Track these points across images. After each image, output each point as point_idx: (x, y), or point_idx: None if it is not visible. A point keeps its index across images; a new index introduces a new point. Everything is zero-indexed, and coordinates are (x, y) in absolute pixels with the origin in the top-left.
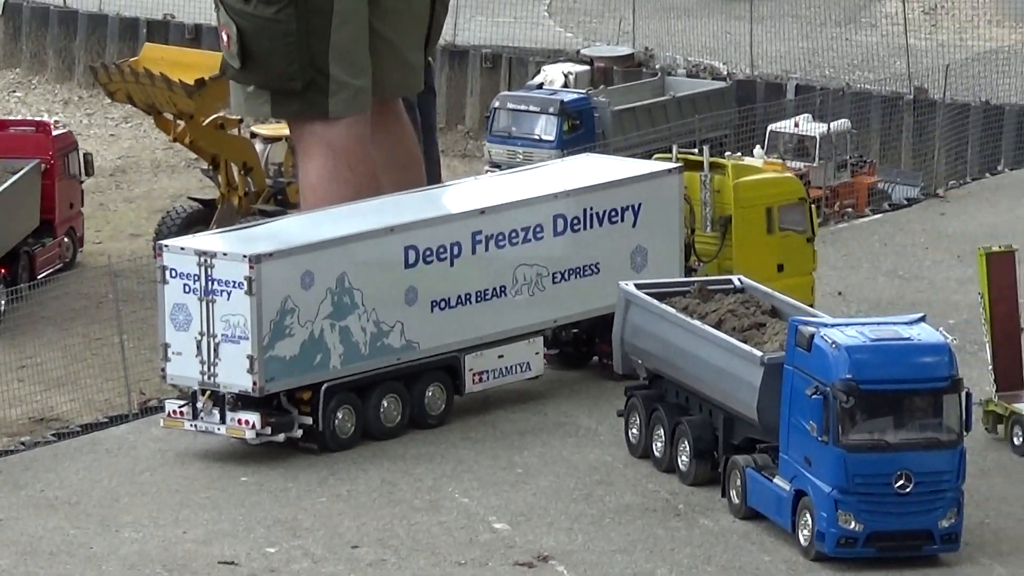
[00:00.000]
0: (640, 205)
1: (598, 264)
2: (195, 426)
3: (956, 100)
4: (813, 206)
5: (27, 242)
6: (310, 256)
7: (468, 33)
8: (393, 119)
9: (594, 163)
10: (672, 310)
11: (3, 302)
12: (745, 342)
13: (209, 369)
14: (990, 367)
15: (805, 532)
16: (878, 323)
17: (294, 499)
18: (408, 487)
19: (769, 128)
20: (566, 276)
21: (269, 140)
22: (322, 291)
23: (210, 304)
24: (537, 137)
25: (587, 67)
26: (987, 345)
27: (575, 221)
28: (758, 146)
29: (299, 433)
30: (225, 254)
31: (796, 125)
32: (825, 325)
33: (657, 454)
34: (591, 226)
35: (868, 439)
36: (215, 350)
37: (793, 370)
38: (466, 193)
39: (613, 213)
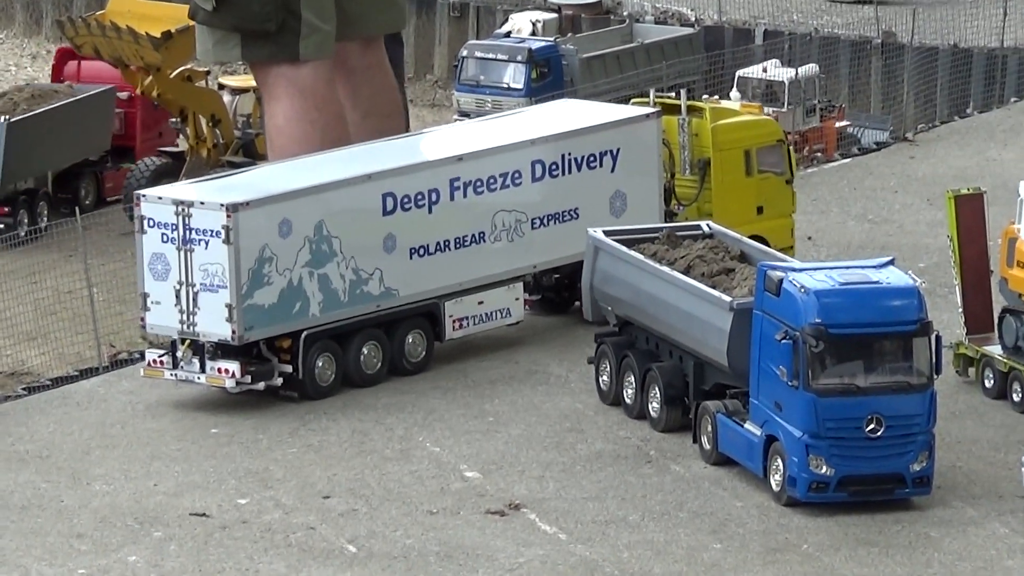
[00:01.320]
0: (619, 150)
1: (577, 209)
2: (175, 375)
3: (924, 44)
4: (791, 147)
5: (96, 163)
6: (287, 204)
7: None
8: (377, 66)
9: (571, 109)
10: (641, 256)
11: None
12: (714, 287)
13: (188, 318)
14: (960, 310)
15: (776, 477)
16: (847, 267)
17: (265, 450)
18: (379, 437)
19: (738, 74)
20: (545, 222)
21: (237, 92)
22: (300, 239)
23: (188, 253)
24: (505, 85)
25: (555, 15)
26: (957, 288)
27: (553, 167)
28: (735, 89)
29: (279, 381)
30: (202, 203)
31: (764, 70)
32: (794, 270)
33: (628, 401)
34: (569, 172)
35: (838, 383)
36: (194, 299)
37: (762, 315)
38: (443, 140)
39: (591, 158)
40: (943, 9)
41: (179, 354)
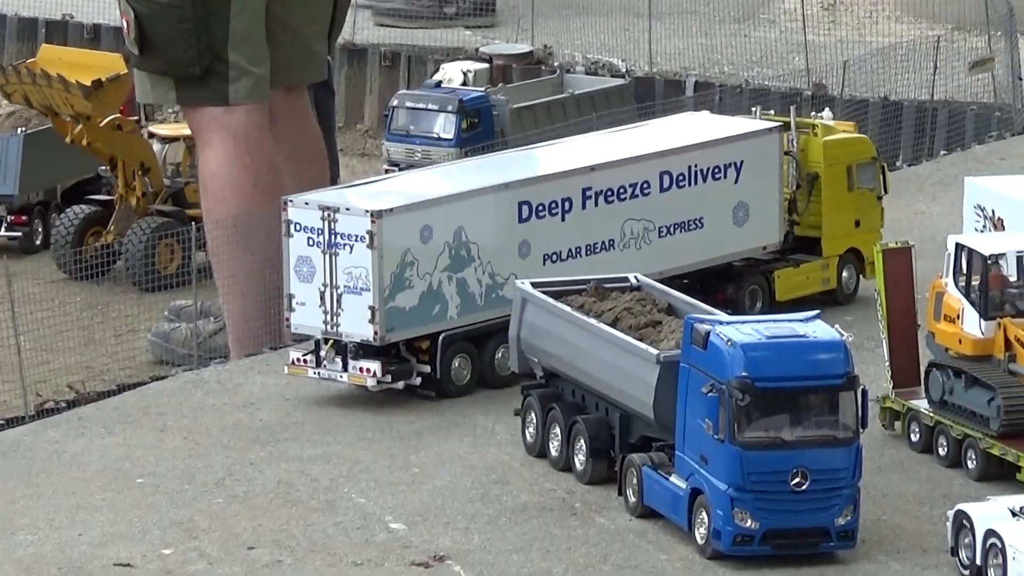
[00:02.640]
0: (742, 162)
1: (702, 219)
2: (318, 374)
3: (854, 96)
4: (884, 165)
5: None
6: (429, 211)
7: (367, 32)
8: (300, 112)
9: (695, 121)
10: (568, 309)
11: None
12: (641, 340)
13: (332, 319)
14: (887, 364)
15: (701, 530)
16: (774, 320)
17: (190, 500)
18: (305, 488)
19: None
20: (671, 230)
21: (167, 140)
22: (440, 244)
23: (333, 257)
24: (436, 135)
25: (486, 65)
26: (884, 342)
27: (680, 177)
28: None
29: (418, 381)
30: (348, 209)
31: None
32: (721, 323)
33: (554, 453)
34: (695, 182)
35: (764, 437)
36: (338, 301)
37: (689, 368)
38: (575, 151)
39: (716, 170)
40: (874, 61)
41: (322, 353)
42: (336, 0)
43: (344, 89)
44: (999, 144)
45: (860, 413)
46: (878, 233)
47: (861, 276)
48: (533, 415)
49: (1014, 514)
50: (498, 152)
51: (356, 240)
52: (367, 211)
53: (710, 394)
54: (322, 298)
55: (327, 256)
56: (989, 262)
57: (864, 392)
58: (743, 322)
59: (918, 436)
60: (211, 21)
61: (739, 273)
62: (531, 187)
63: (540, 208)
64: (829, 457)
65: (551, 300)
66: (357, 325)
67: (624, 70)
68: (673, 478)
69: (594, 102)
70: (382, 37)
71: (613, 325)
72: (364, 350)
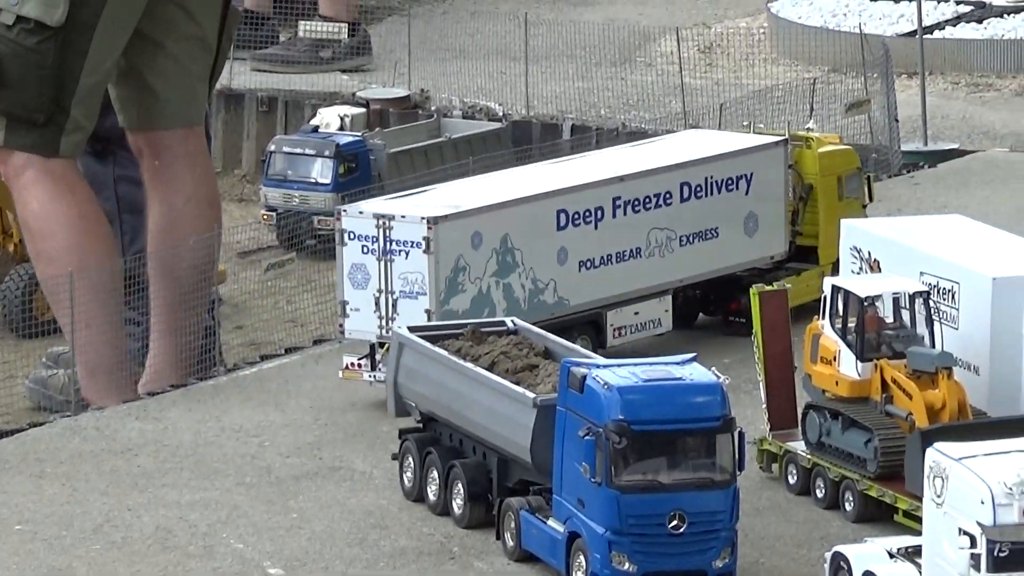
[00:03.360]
0: (752, 175)
1: (717, 229)
2: (374, 376)
3: None
4: (869, 176)
5: None
6: (479, 218)
7: (244, 77)
8: (199, 153)
9: (703, 137)
10: (445, 353)
11: None
12: (518, 384)
13: (387, 323)
14: (764, 406)
15: (579, 574)
16: (650, 364)
17: (68, 547)
18: (183, 533)
19: None
20: (690, 239)
21: None
22: (489, 251)
23: (388, 263)
24: (313, 180)
25: (363, 109)
26: (761, 384)
27: (698, 188)
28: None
29: None
30: (403, 216)
31: None
32: (597, 366)
33: (432, 497)
34: (711, 193)
35: (641, 480)
36: (393, 305)
37: (566, 411)
38: (602, 163)
39: (730, 182)
40: (750, 103)
41: (378, 357)
42: (219, 45)
43: (221, 134)
44: (875, 186)
45: (737, 455)
46: None
47: None
48: (411, 459)
49: (891, 556)
50: (533, 163)
51: (412, 246)
52: (423, 218)
53: (587, 437)
54: (377, 303)
55: (382, 263)
56: (865, 304)
57: (741, 434)
58: (619, 365)
59: (796, 478)
60: (65, 73)
61: (749, 283)
62: (569, 195)
63: (576, 216)
64: (706, 500)
65: (428, 344)
66: None
67: (501, 114)
68: (551, 522)
69: (471, 146)
70: (259, 82)
71: (490, 369)
72: None
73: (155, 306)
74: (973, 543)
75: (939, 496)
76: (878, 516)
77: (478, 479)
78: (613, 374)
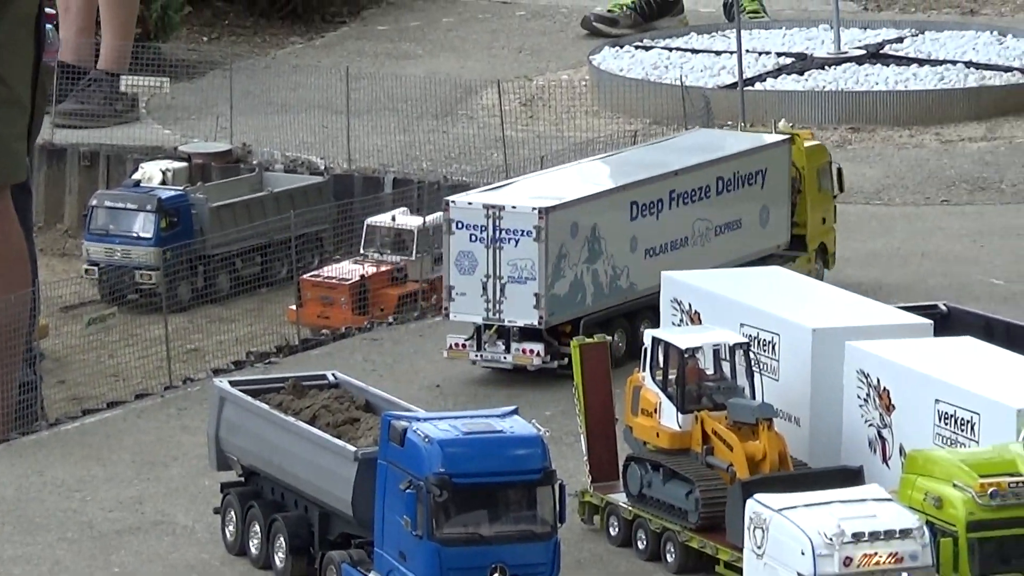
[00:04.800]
0: (766, 170)
1: (740, 220)
2: (480, 356)
3: None
4: (840, 168)
5: None
6: (578, 209)
7: (66, 132)
8: (3, 212)
9: (713, 136)
10: (266, 407)
11: None
12: (339, 437)
13: (495, 307)
14: (585, 458)
15: None
16: (471, 416)
17: None
18: None
19: (367, 222)
20: (721, 230)
21: None
22: (582, 239)
23: (497, 251)
24: (135, 235)
25: (185, 164)
26: (582, 436)
27: (729, 183)
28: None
29: (566, 361)
30: (514, 207)
31: (393, 219)
32: (418, 419)
33: (254, 551)
34: (738, 188)
35: (462, 532)
36: (501, 290)
37: (387, 465)
38: (649, 158)
39: (751, 176)
40: (571, 155)
41: (484, 338)
42: (33, 102)
43: (43, 189)
44: None
45: (558, 508)
46: (834, 229)
47: (826, 267)
48: (233, 513)
49: None
50: (593, 157)
51: (522, 235)
52: (535, 208)
53: (408, 491)
54: (484, 288)
55: (491, 250)
56: (686, 356)
57: (562, 487)
58: (440, 418)
59: (617, 530)
60: None
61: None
62: (639, 188)
63: (643, 207)
64: (527, 552)
65: (249, 398)
66: (521, 312)
67: (323, 167)
68: (372, 574)
69: (293, 200)
70: (81, 137)
71: (311, 423)
72: (523, 334)
73: None
74: None
75: (759, 547)
76: (700, 567)
77: (300, 532)
78: (434, 427)
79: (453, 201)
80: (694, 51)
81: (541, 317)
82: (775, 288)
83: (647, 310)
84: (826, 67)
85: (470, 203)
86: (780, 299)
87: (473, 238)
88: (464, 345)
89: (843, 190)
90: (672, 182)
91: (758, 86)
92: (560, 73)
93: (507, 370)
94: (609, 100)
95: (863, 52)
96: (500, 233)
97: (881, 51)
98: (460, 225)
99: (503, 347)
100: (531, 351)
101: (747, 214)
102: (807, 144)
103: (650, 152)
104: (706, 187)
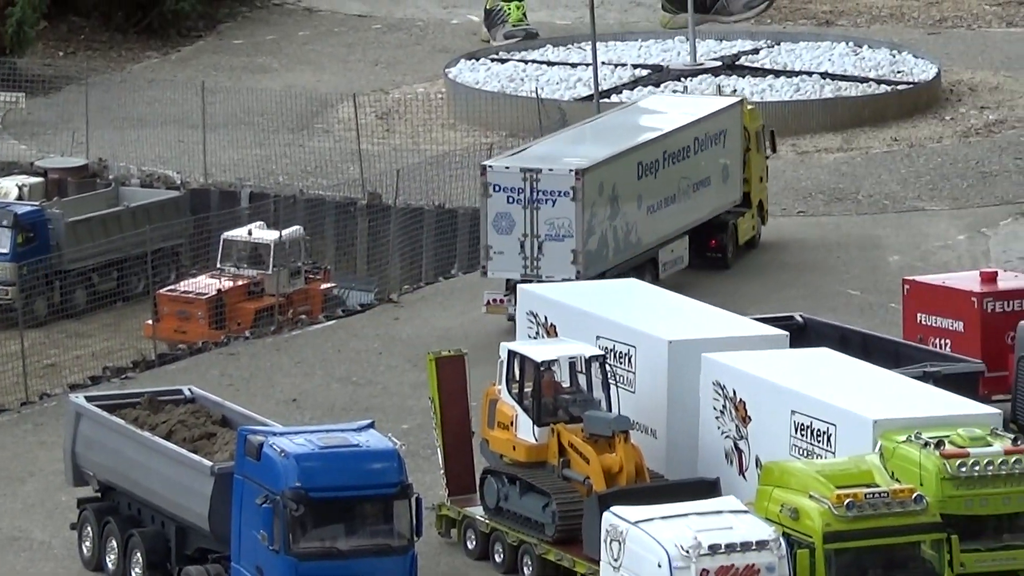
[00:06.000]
0: (726, 131)
1: (709, 178)
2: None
3: (410, 204)
4: (773, 131)
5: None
6: (604, 169)
7: None
8: None
9: (673, 100)
10: (122, 422)
11: None
12: (196, 452)
13: (532, 263)
14: (442, 471)
15: None
16: (327, 430)
17: None
18: None
19: (223, 236)
20: (696, 188)
21: None
22: (606, 198)
23: (535, 211)
24: None
25: (41, 179)
26: (439, 449)
27: (703, 143)
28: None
29: None
30: (551, 169)
31: (250, 233)
32: (274, 433)
33: (111, 566)
34: (707, 147)
35: (319, 547)
36: (539, 248)
37: (243, 479)
38: (640, 118)
39: (716, 137)
40: (428, 169)
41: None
42: None
43: None
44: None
45: (415, 521)
46: (766, 187)
47: (763, 223)
48: (89, 529)
49: None
50: (572, 126)
51: (560, 195)
52: (571, 170)
53: (264, 505)
54: (522, 246)
55: (528, 210)
56: (541, 369)
57: (419, 500)
58: (297, 432)
59: (474, 543)
60: None
61: (722, 224)
62: (644, 149)
63: (647, 167)
64: (384, 566)
65: (105, 414)
66: (558, 267)
67: (179, 182)
68: None
69: (150, 214)
70: None
71: (167, 438)
72: None
73: None
74: None
75: (616, 560)
76: None
77: (157, 548)
78: (290, 441)
79: (490, 165)
80: (550, 63)
81: (579, 271)
82: (631, 300)
83: (648, 263)
84: (682, 78)
85: (507, 167)
86: (636, 311)
87: (511, 200)
88: (503, 300)
89: (775, 151)
90: (665, 142)
91: (614, 98)
92: (416, 86)
93: (361, 384)
94: (465, 113)
95: (719, 64)
96: (537, 194)
97: (737, 63)
98: (497, 188)
99: None
100: None
101: (714, 172)
102: (750, 107)
103: (626, 117)
104: (686, 147)
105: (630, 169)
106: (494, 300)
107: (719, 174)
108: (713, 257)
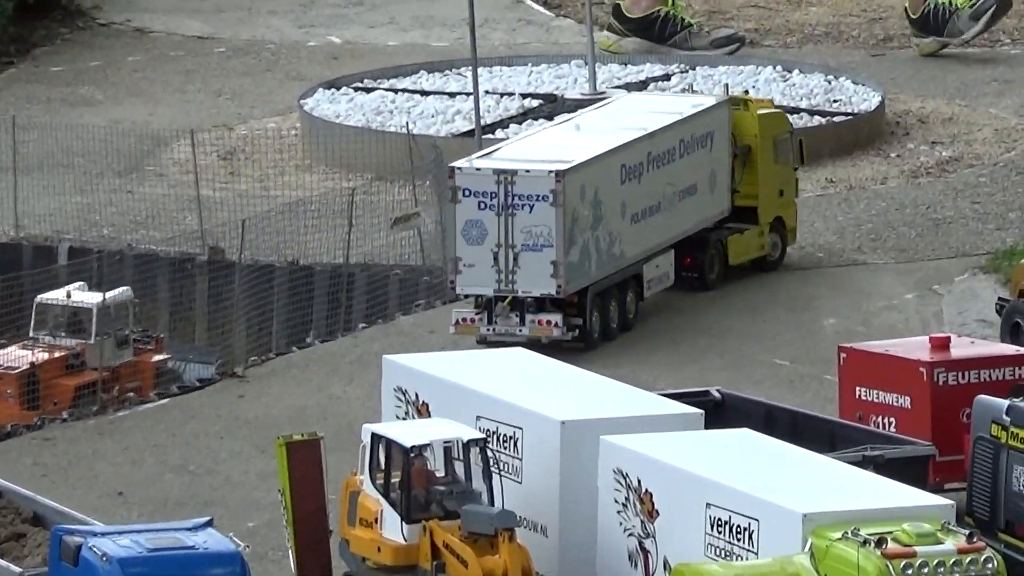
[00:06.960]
0: (713, 133)
1: (696, 185)
2: (492, 330)
3: (258, 260)
4: (801, 139)
5: None
6: (586, 170)
7: None
8: None
9: (650, 99)
10: None
11: None
12: (2, 557)
13: (507, 277)
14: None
15: None
16: (158, 530)
17: None
18: None
19: (37, 299)
20: (683, 195)
21: None
22: (588, 203)
23: (509, 218)
24: None
25: None
26: (290, 551)
27: (688, 145)
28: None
29: (577, 332)
30: (528, 171)
31: (69, 295)
32: (95, 534)
33: None
34: (695, 150)
35: None
36: (515, 259)
37: None
38: (608, 119)
39: (703, 139)
40: (281, 219)
41: (496, 310)
42: None
43: None
44: (428, 314)
45: None
46: (795, 204)
47: (785, 243)
48: None
49: None
50: (545, 125)
51: (537, 200)
52: (551, 171)
53: None
54: (495, 258)
55: (502, 217)
56: (412, 455)
57: None
58: (121, 532)
59: None
60: None
61: (700, 240)
62: (627, 151)
63: (630, 171)
64: None
65: None
66: (536, 281)
67: None
68: None
69: None
70: None
71: None
72: (539, 304)
73: None
74: None
75: None
76: None
77: None
78: (113, 543)
79: (459, 167)
80: (424, 93)
81: (559, 286)
82: (518, 374)
83: (631, 281)
84: (579, 108)
85: (479, 169)
86: (524, 387)
87: (482, 206)
88: (473, 320)
89: (804, 162)
90: (649, 144)
91: (499, 133)
92: (266, 121)
93: (199, 473)
94: (324, 152)
95: (624, 92)
96: (513, 199)
97: (645, 90)
98: (467, 192)
99: (517, 319)
100: (549, 322)
101: (700, 180)
102: (764, 111)
103: (604, 117)
104: (672, 149)
105: (613, 172)
106: (463, 320)
107: (705, 182)
108: (688, 277)
